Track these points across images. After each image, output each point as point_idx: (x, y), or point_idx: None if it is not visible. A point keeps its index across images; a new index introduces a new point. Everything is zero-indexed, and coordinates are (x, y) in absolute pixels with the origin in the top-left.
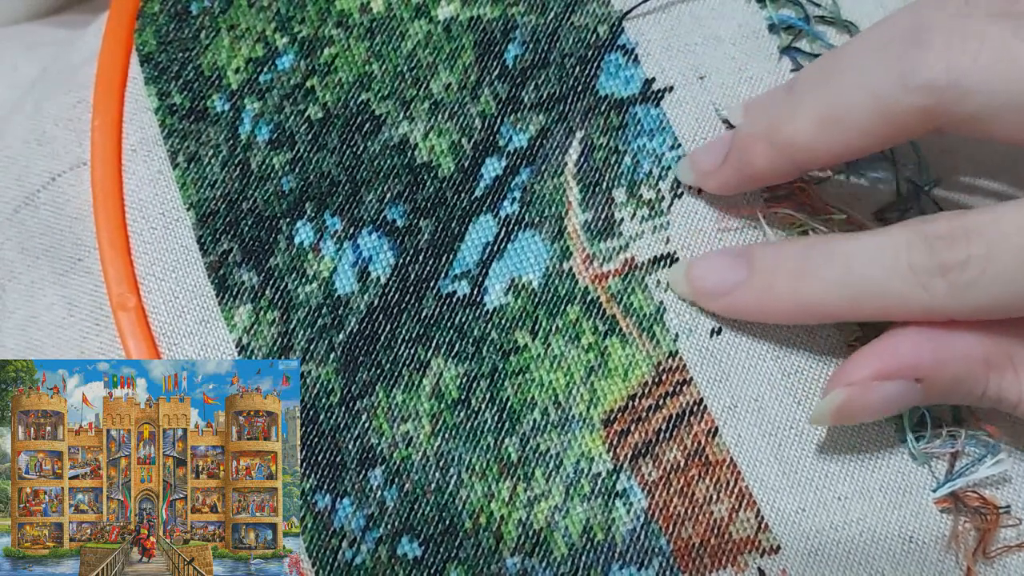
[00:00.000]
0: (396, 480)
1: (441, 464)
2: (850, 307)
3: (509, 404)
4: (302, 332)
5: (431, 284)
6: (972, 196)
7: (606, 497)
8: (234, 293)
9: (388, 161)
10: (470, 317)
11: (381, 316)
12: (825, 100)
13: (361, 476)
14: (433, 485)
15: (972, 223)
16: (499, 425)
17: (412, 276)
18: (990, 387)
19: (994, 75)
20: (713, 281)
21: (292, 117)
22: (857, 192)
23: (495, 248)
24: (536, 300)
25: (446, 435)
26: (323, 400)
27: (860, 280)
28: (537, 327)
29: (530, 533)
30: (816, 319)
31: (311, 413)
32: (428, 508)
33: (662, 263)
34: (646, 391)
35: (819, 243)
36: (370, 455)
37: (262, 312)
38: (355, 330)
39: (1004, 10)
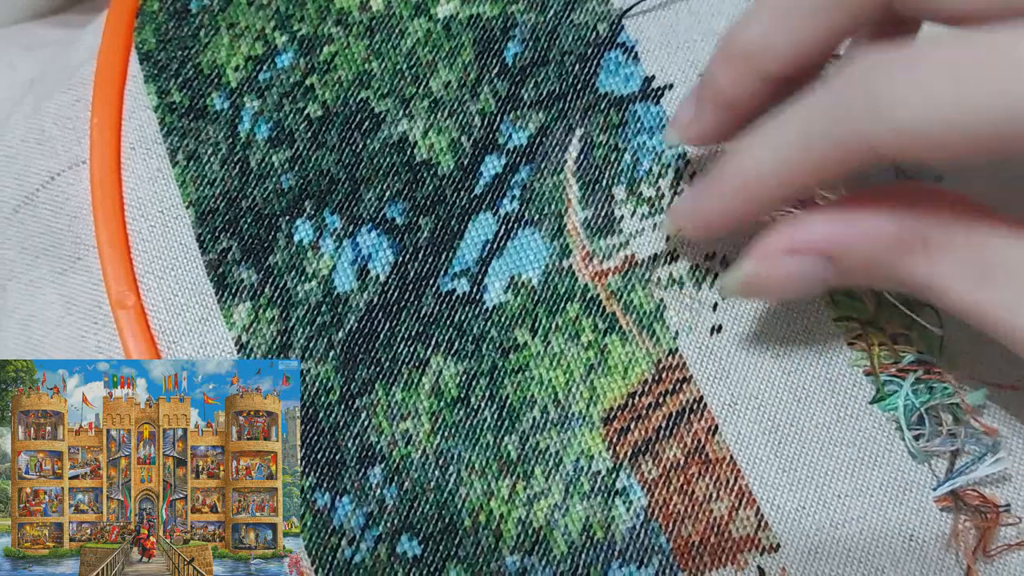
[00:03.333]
0: (396, 478)
1: (440, 462)
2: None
3: (509, 402)
4: (301, 330)
5: (431, 282)
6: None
7: (606, 495)
8: (233, 291)
9: (387, 159)
10: (470, 315)
11: (380, 314)
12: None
13: (360, 474)
14: (432, 483)
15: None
16: (499, 423)
17: (411, 274)
18: (902, 269)
19: None
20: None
21: (291, 115)
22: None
23: (495, 246)
24: (536, 298)
25: (445, 433)
26: (322, 398)
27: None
28: (537, 325)
29: (530, 531)
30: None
31: (310, 411)
32: (428, 506)
33: (662, 260)
34: (646, 389)
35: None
36: (369, 453)
37: (261, 310)
38: (354, 328)
39: None
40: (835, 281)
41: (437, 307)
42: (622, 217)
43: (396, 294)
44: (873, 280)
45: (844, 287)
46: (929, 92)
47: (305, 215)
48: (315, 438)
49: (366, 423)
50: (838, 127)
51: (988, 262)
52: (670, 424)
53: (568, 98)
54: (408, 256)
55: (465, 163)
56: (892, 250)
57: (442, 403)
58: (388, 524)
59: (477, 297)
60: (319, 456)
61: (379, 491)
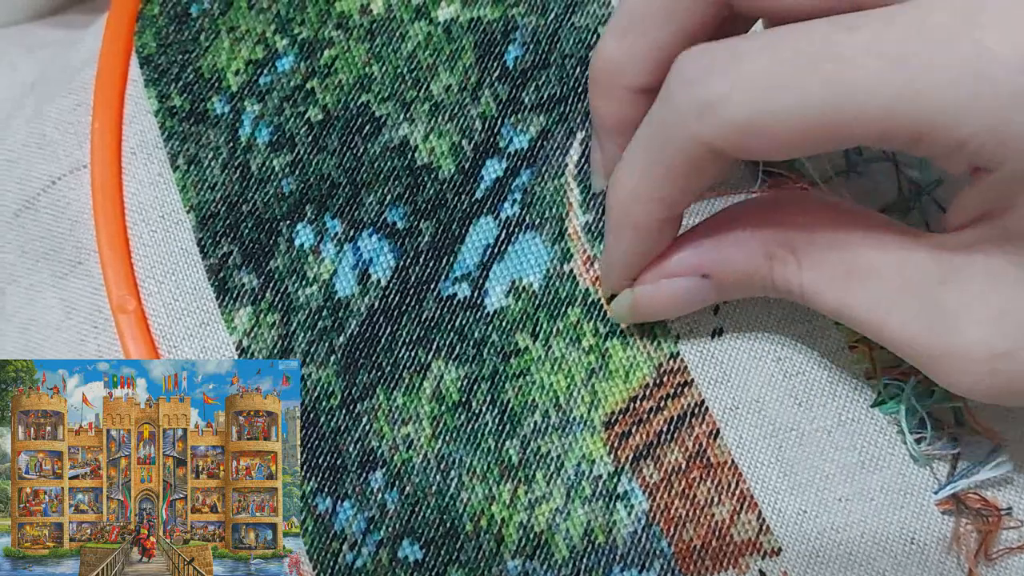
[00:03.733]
0: (397, 483)
1: (442, 467)
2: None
3: (510, 406)
4: (302, 334)
5: (432, 286)
6: None
7: (607, 499)
8: (234, 296)
9: (388, 163)
10: (471, 319)
11: (381, 318)
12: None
13: (362, 479)
14: (434, 488)
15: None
16: (500, 427)
17: (412, 278)
18: (776, 279)
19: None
20: None
21: (292, 119)
22: (858, 192)
23: (496, 250)
24: (537, 302)
25: (447, 438)
26: (324, 403)
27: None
28: (538, 329)
29: (531, 536)
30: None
31: (312, 416)
32: (429, 511)
33: None
34: (647, 393)
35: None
36: (371, 458)
37: (262, 315)
38: (355, 332)
39: None
40: (717, 296)
41: (438, 311)
42: None
43: (397, 298)
44: (752, 291)
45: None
46: (750, 86)
47: (306, 219)
48: (316, 442)
49: (367, 427)
50: (674, 133)
51: (851, 265)
52: (671, 428)
53: (569, 101)
54: (409, 260)
55: (466, 167)
56: (763, 263)
57: (443, 407)
58: (389, 529)
59: (478, 301)
60: (320, 460)
61: (380, 496)
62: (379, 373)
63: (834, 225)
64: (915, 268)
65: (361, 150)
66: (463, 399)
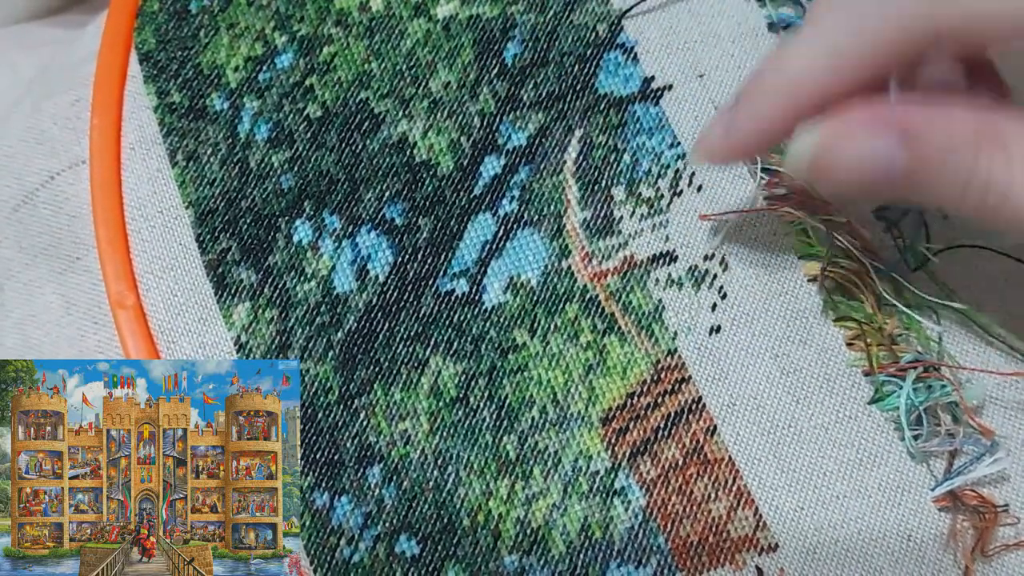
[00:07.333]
0: (394, 478)
1: (439, 462)
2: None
3: (507, 402)
4: (300, 330)
5: (430, 282)
6: None
7: (604, 495)
8: (233, 291)
9: (387, 159)
10: (469, 315)
11: (379, 314)
12: (825, 33)
13: (359, 474)
14: (431, 483)
15: None
16: (497, 423)
17: (411, 274)
18: (979, 168)
19: None
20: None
21: (291, 115)
22: None
23: (494, 246)
24: (535, 298)
25: (444, 433)
26: (321, 398)
27: None
28: (536, 325)
29: (528, 531)
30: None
31: (309, 411)
32: (426, 506)
33: (661, 261)
34: (645, 389)
35: None
36: (368, 453)
37: (261, 310)
38: (353, 328)
39: None
40: (901, 179)
41: (436, 307)
42: (621, 218)
43: (395, 294)
44: (944, 183)
45: (902, 197)
46: None
47: (304, 215)
48: (314, 438)
49: (365, 423)
50: (899, 8)
51: None
52: (669, 424)
53: (567, 99)
54: (407, 256)
55: (464, 164)
56: (971, 144)
57: (441, 403)
58: (387, 524)
59: (476, 297)
60: (318, 456)
61: (378, 491)
62: (377, 369)
63: None
64: None
65: (360, 147)
66: (461, 395)
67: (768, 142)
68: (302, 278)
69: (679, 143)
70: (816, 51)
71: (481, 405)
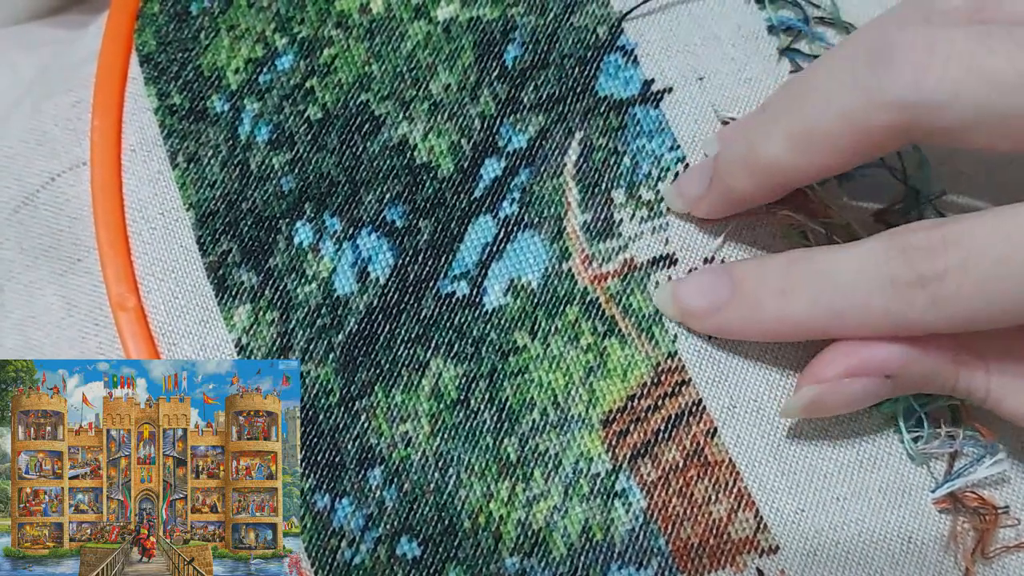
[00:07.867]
0: (395, 480)
1: (440, 464)
2: (835, 323)
3: (508, 404)
4: (301, 332)
5: (430, 284)
6: (979, 196)
7: (605, 497)
8: (233, 293)
9: (387, 162)
10: (469, 318)
11: (380, 316)
12: (797, 122)
13: (360, 476)
14: (432, 485)
15: (948, 233)
16: (498, 425)
17: (411, 276)
18: (959, 383)
19: (964, 87)
20: (699, 303)
21: (292, 117)
22: (858, 194)
23: (494, 249)
24: (535, 301)
25: (445, 435)
26: (322, 400)
27: (843, 297)
28: (536, 328)
29: (529, 533)
30: (802, 336)
31: (310, 413)
32: (427, 508)
33: (661, 264)
34: (645, 392)
35: (800, 259)
36: (369, 455)
37: (261, 312)
38: (354, 330)
39: (968, 18)
40: (891, 393)
41: (437, 309)
42: (621, 220)
43: (396, 296)
44: (930, 389)
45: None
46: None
47: (305, 217)
48: (315, 440)
49: (366, 425)
50: (871, 96)
51: None
52: (669, 427)
53: (568, 101)
54: (408, 259)
55: (465, 166)
56: (950, 366)
57: (442, 405)
58: (388, 526)
59: (477, 300)
60: (319, 458)
61: (379, 493)
62: (378, 371)
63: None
64: None
65: (360, 149)
66: (461, 397)
67: (737, 210)
68: (303, 280)
69: (679, 146)
70: (779, 151)
71: (482, 407)
